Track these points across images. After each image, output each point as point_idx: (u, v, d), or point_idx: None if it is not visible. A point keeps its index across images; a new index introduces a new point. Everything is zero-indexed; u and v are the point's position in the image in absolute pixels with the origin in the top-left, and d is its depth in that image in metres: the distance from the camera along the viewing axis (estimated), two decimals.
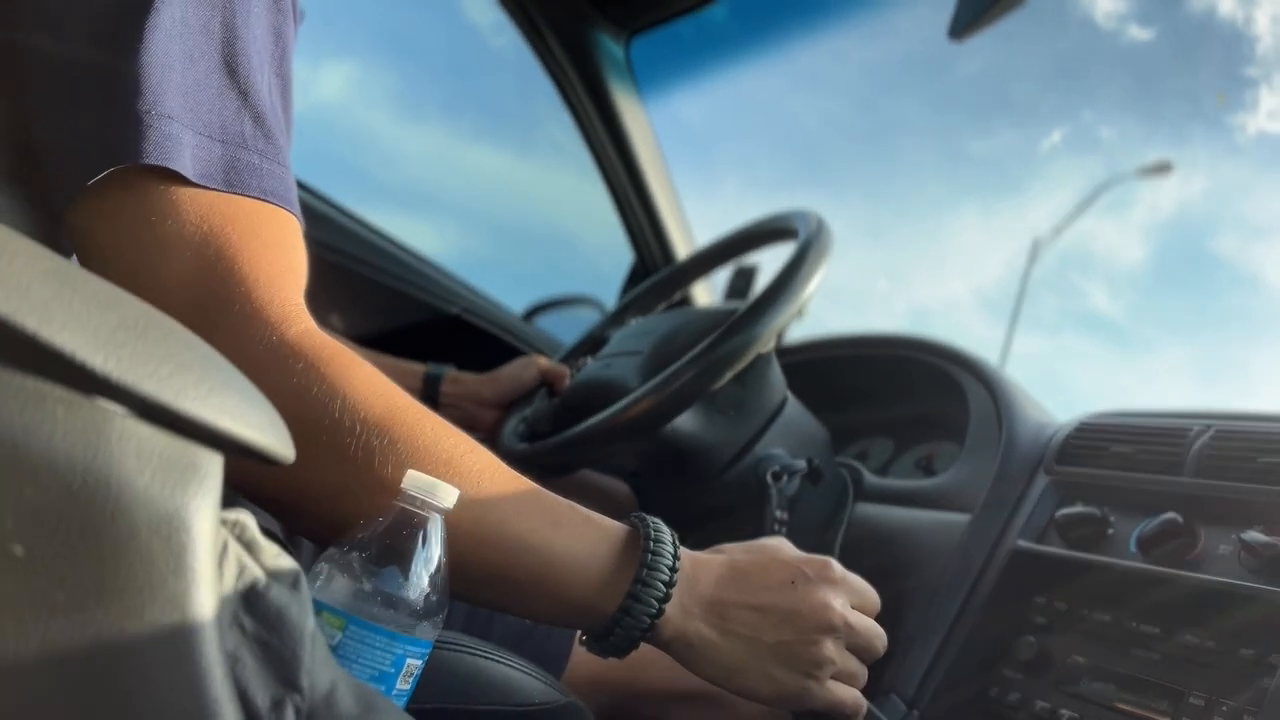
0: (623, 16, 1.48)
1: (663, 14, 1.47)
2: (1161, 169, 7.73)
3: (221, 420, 0.28)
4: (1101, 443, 0.84)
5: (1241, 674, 0.65)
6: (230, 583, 0.30)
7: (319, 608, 0.44)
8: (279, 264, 0.51)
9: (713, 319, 0.96)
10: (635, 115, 1.54)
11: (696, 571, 0.60)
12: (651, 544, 0.58)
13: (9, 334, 0.24)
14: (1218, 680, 0.65)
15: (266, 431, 0.30)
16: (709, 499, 0.95)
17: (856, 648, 0.62)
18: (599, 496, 1.12)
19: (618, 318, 1.24)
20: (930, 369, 1.12)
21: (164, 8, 0.47)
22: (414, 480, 0.47)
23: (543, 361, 1.15)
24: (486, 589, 0.55)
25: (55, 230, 0.49)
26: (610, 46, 1.50)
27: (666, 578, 0.57)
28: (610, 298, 1.73)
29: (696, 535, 0.96)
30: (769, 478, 0.91)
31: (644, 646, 0.59)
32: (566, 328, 1.69)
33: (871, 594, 0.66)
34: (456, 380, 1.12)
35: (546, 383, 1.14)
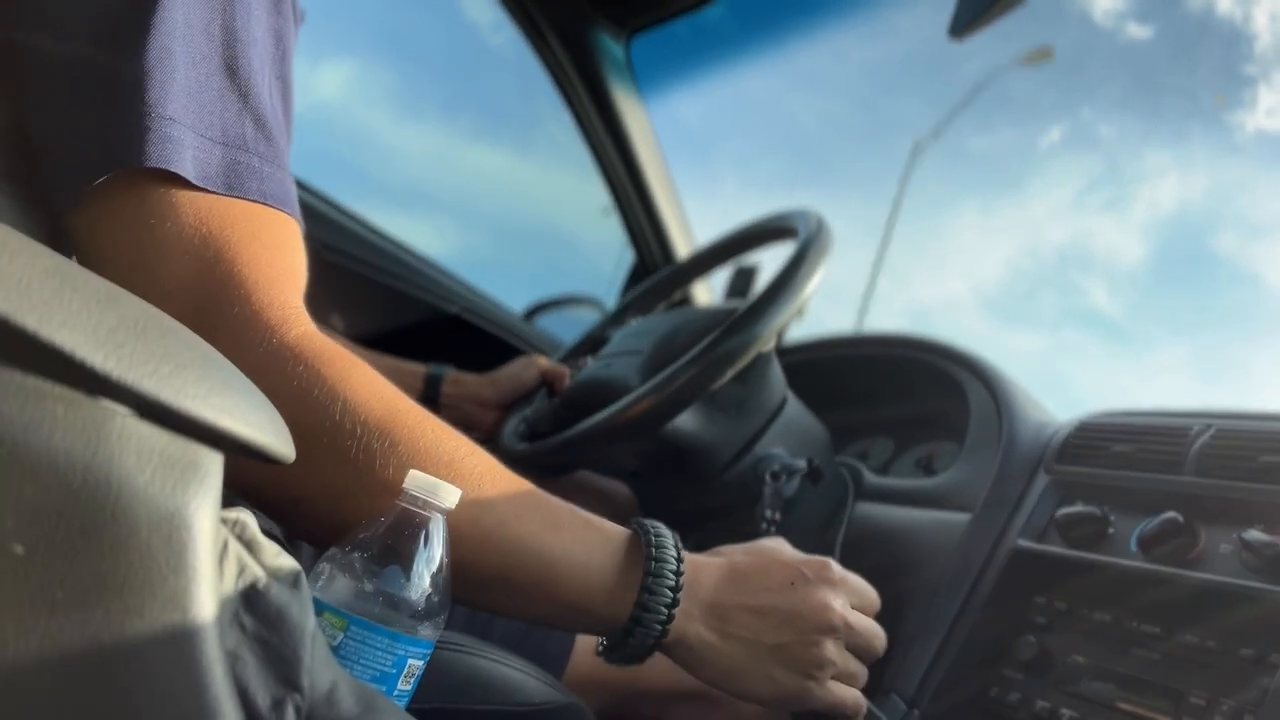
0: (623, 16, 1.48)
1: (663, 13, 1.47)
2: (1042, 55, 7.62)
3: (221, 419, 0.28)
4: (1102, 442, 0.84)
5: (1242, 673, 0.65)
6: (230, 581, 0.30)
7: (321, 608, 0.44)
8: (279, 266, 0.51)
9: (713, 318, 0.96)
10: (635, 114, 1.54)
11: (697, 574, 0.60)
12: (654, 549, 0.58)
13: (9, 332, 0.24)
14: (1218, 680, 0.65)
15: (266, 430, 0.30)
16: (709, 498, 0.95)
17: (856, 648, 0.62)
18: (599, 496, 1.12)
19: (618, 317, 1.24)
20: (930, 368, 1.12)
21: (165, 10, 0.47)
22: (416, 480, 0.47)
23: (543, 361, 1.15)
24: (487, 592, 0.55)
25: (55, 231, 0.49)
26: (610, 46, 1.50)
27: (672, 582, 0.57)
28: (610, 297, 1.73)
29: (697, 535, 0.96)
30: (767, 477, 0.91)
31: None
32: (567, 327, 1.69)
33: (871, 593, 0.66)
34: (457, 381, 1.12)
35: (547, 383, 1.14)
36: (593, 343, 1.21)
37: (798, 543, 0.68)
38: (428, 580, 0.47)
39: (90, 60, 0.46)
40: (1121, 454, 0.81)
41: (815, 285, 0.90)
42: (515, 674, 0.63)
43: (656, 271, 1.60)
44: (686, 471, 0.94)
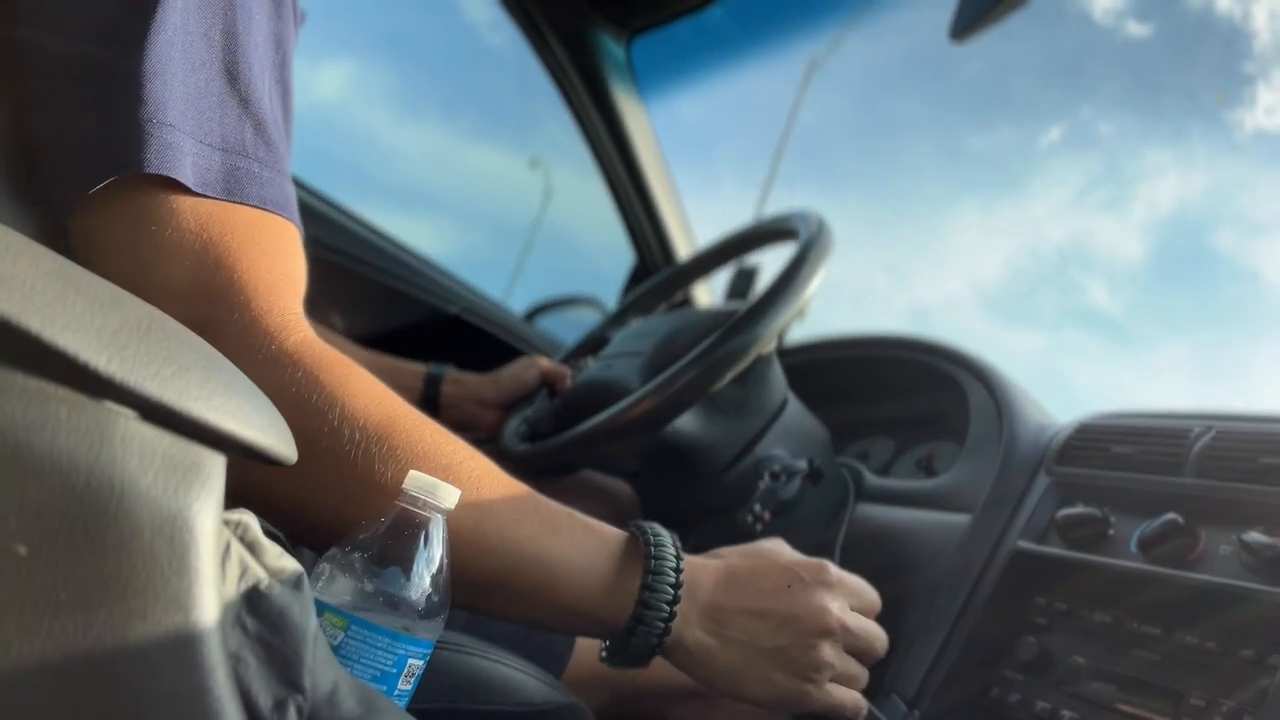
0: (624, 17, 1.48)
1: (663, 14, 1.47)
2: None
3: (224, 421, 0.28)
4: (1102, 443, 0.84)
5: (1242, 674, 0.65)
6: (233, 583, 0.30)
7: (321, 608, 0.44)
8: (278, 272, 0.51)
9: (714, 320, 0.96)
10: (636, 115, 1.54)
11: (694, 577, 0.60)
12: (653, 550, 0.58)
13: (12, 334, 0.24)
14: (1218, 680, 0.65)
15: (269, 432, 0.30)
16: (710, 499, 0.95)
17: (856, 649, 0.62)
18: (600, 497, 1.12)
19: (619, 318, 1.24)
20: (931, 369, 1.12)
21: (165, 15, 0.47)
22: (415, 481, 0.47)
23: (544, 362, 1.15)
24: (486, 596, 0.55)
25: (56, 234, 0.49)
26: (611, 47, 1.50)
27: (673, 582, 0.57)
28: (611, 298, 1.73)
29: (697, 535, 0.96)
30: (766, 477, 0.91)
31: None
32: (567, 328, 1.69)
33: (870, 594, 0.66)
34: (458, 381, 1.12)
35: (548, 383, 1.14)
36: (593, 344, 1.22)
37: (798, 543, 0.68)
38: (428, 580, 0.47)
39: (90, 65, 0.46)
40: (1122, 455, 0.81)
41: (816, 286, 0.90)
42: (515, 674, 0.63)
43: (657, 272, 1.60)
44: (687, 472, 0.94)
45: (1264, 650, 0.64)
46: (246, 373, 0.39)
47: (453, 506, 0.48)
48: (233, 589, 0.30)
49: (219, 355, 0.32)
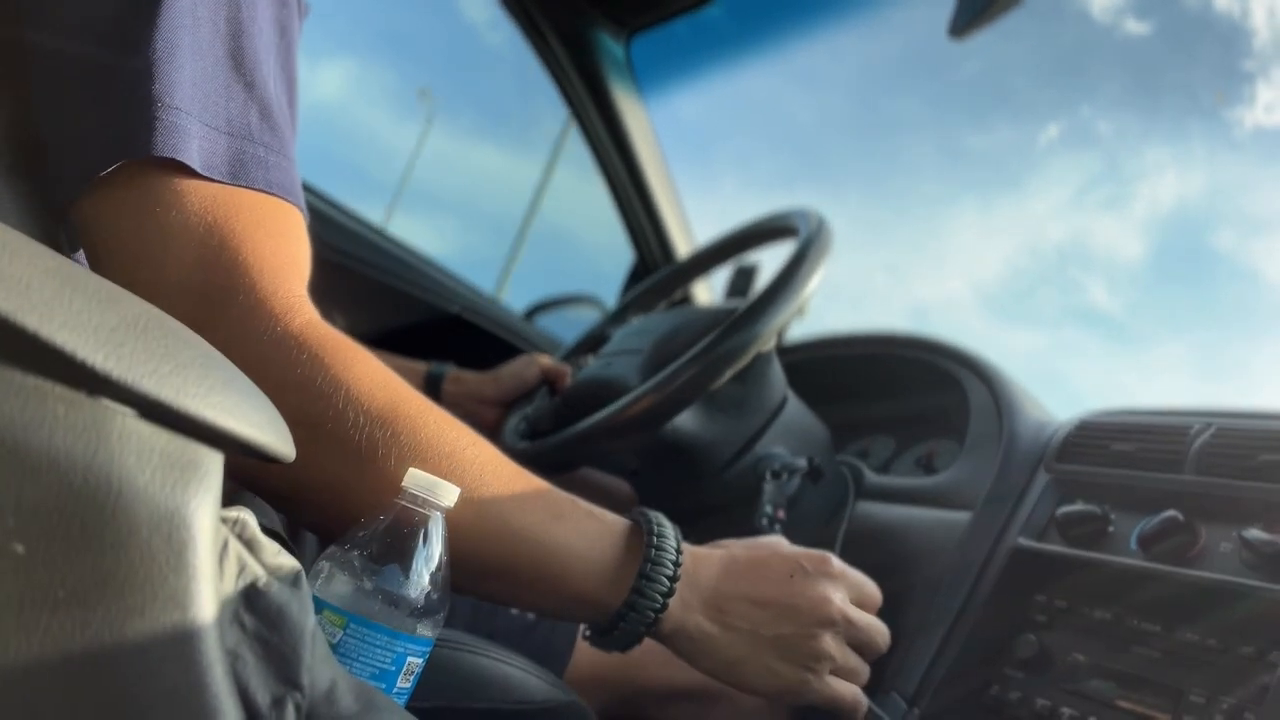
0: (623, 15, 1.48)
1: (663, 13, 1.47)
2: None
3: (222, 418, 0.28)
4: (1102, 440, 0.84)
5: (1242, 671, 0.65)
6: (231, 580, 0.30)
7: (320, 606, 0.44)
8: (283, 256, 0.51)
9: (713, 317, 0.96)
10: (635, 114, 1.54)
11: (697, 566, 0.60)
12: (654, 539, 0.58)
13: (10, 332, 0.24)
14: (1218, 677, 0.65)
15: (267, 430, 0.30)
16: (709, 497, 0.95)
17: (857, 643, 0.62)
18: (600, 495, 1.12)
19: (618, 316, 1.24)
20: (930, 367, 1.12)
21: (171, 1, 0.47)
22: (415, 479, 0.47)
23: (544, 360, 1.15)
24: (489, 582, 0.55)
25: (55, 227, 0.49)
26: (610, 45, 1.50)
27: (670, 572, 0.57)
28: (611, 296, 1.73)
29: (697, 533, 0.96)
30: (767, 475, 0.91)
31: (646, 644, 0.59)
32: (567, 326, 1.69)
33: (871, 588, 0.66)
34: (458, 379, 1.12)
35: (548, 381, 1.14)
36: (593, 342, 1.22)
37: (798, 541, 0.68)
38: (427, 578, 0.47)
39: (95, 51, 0.46)
40: (1122, 452, 0.81)
41: (816, 284, 0.90)
42: (516, 672, 0.63)
43: (657, 270, 1.60)
44: (687, 470, 0.94)
45: (1264, 647, 0.64)
46: (251, 355, 0.39)
47: (452, 505, 0.48)
48: (230, 586, 0.30)
49: (217, 353, 0.32)
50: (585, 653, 0.84)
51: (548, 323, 1.72)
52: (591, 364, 1.06)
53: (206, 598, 0.27)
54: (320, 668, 0.33)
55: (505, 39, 1.50)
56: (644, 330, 1.03)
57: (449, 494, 0.47)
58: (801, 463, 0.92)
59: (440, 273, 1.49)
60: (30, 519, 0.24)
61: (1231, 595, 0.66)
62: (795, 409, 1.01)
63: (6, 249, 0.26)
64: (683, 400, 0.84)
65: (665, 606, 0.57)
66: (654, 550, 0.57)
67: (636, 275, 1.67)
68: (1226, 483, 0.72)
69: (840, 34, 1.52)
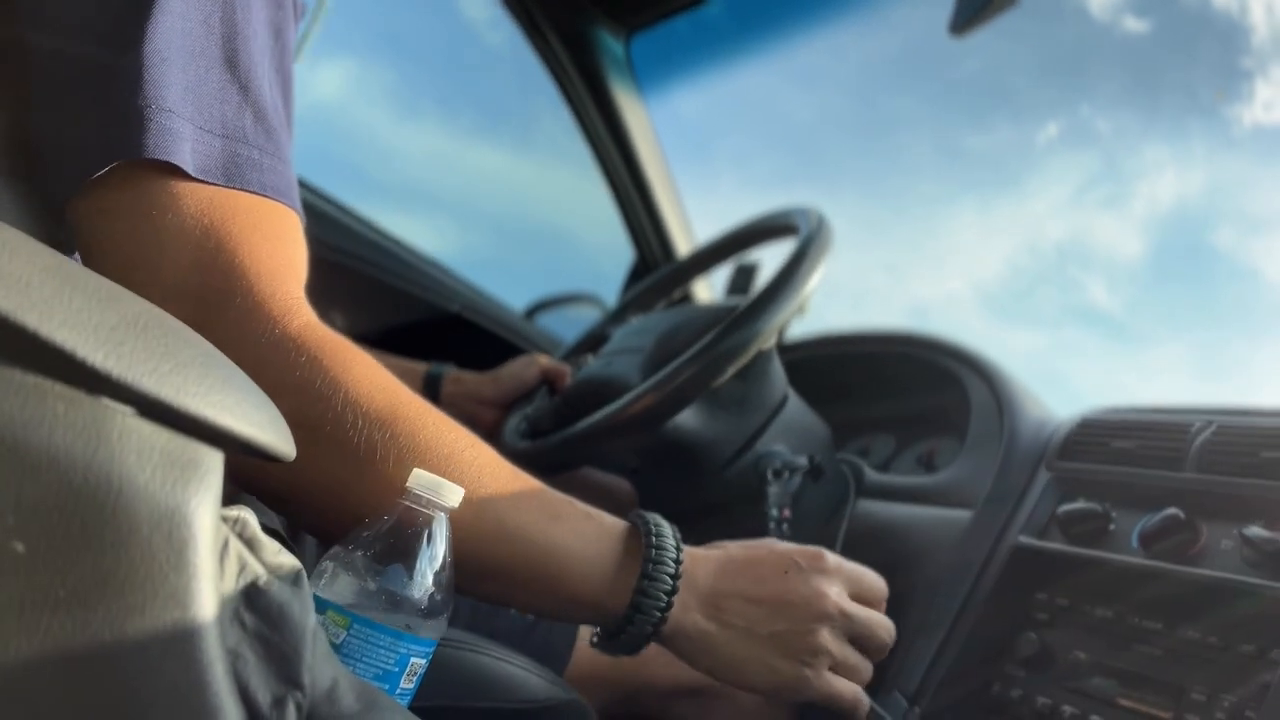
0: (623, 14, 1.48)
1: (662, 11, 1.47)
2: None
3: (222, 417, 0.28)
4: (1103, 438, 0.84)
5: (1243, 669, 0.65)
6: (231, 579, 0.30)
7: (324, 606, 0.44)
8: (280, 258, 0.51)
9: (714, 316, 0.96)
10: (635, 112, 1.54)
11: (693, 566, 0.60)
12: (654, 539, 0.58)
13: (9, 331, 0.24)
14: (1219, 675, 0.65)
15: (267, 429, 0.30)
16: (710, 496, 0.95)
17: (859, 637, 0.62)
18: (601, 494, 1.12)
19: (619, 315, 1.24)
20: (931, 365, 1.12)
21: (165, 3, 0.47)
22: (419, 479, 0.47)
23: (544, 360, 1.15)
24: (488, 583, 0.55)
25: (55, 226, 0.49)
26: (610, 44, 1.50)
27: (672, 571, 0.57)
28: (611, 295, 1.73)
29: (697, 532, 0.96)
30: (769, 475, 0.90)
31: None
32: (567, 325, 1.69)
33: (872, 581, 0.65)
34: (458, 380, 1.12)
35: (548, 381, 1.14)
36: (593, 341, 1.21)
37: (799, 539, 0.68)
38: (430, 579, 0.47)
39: (90, 53, 0.46)
40: (1123, 450, 0.81)
41: (816, 282, 0.90)
42: (518, 671, 0.63)
43: (657, 269, 1.60)
44: (688, 468, 0.94)
45: (1265, 645, 0.64)
46: (249, 358, 0.39)
47: (456, 505, 0.48)
48: (231, 585, 0.30)
49: (216, 351, 0.32)
50: (585, 651, 0.84)
51: (548, 321, 1.72)
52: (592, 363, 1.06)
53: (207, 596, 0.27)
54: (321, 667, 0.33)
55: (505, 38, 1.50)
56: (644, 329, 1.03)
57: (453, 494, 0.47)
58: (802, 461, 0.92)
59: (440, 271, 1.49)
60: (30, 518, 0.24)
61: (1233, 593, 0.66)
62: (796, 407, 1.01)
63: (6, 248, 0.26)
64: (683, 399, 0.83)
65: (670, 605, 0.57)
66: (654, 551, 0.57)
67: (637, 274, 1.67)
68: (1227, 480, 0.72)
69: (839, 32, 1.52)
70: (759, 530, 0.89)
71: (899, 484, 1.00)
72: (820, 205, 1.01)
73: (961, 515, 0.88)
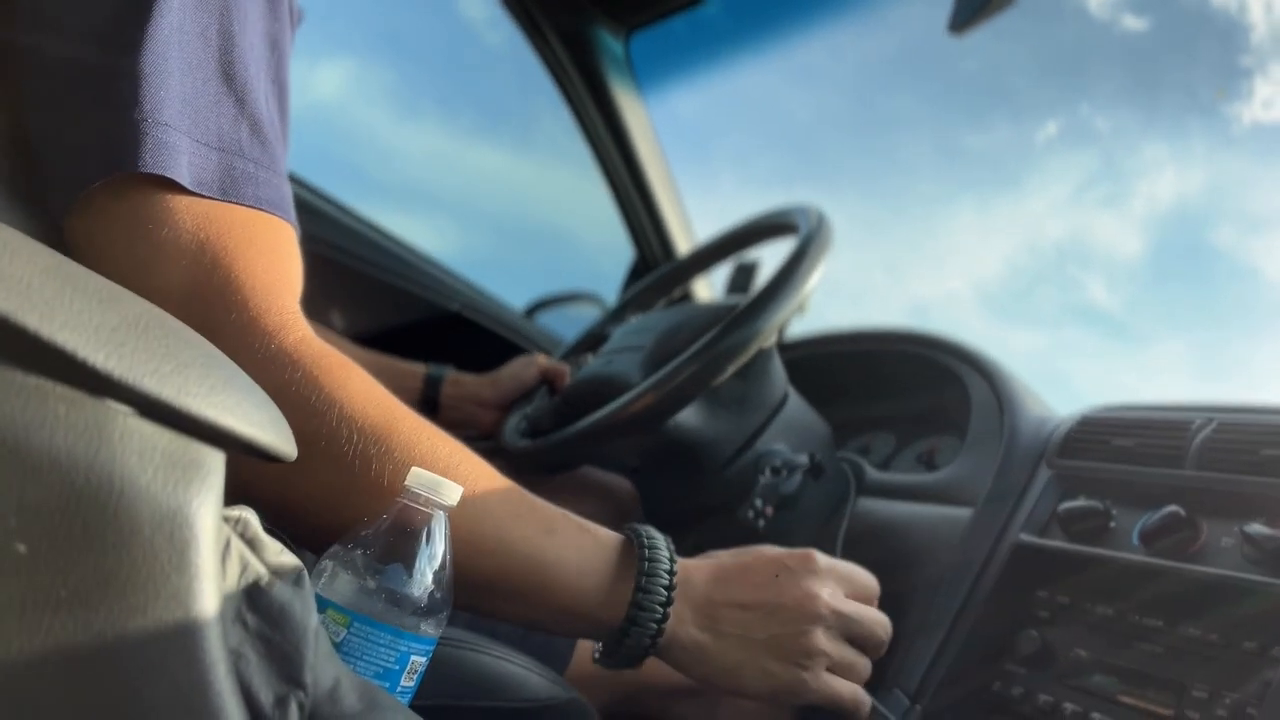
0: (622, 13, 1.48)
1: (662, 10, 1.47)
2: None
3: (223, 417, 0.28)
4: (1103, 436, 0.84)
5: (1244, 666, 0.65)
6: (233, 579, 0.30)
7: (324, 605, 0.44)
8: (275, 272, 0.51)
9: (714, 314, 0.96)
10: (635, 111, 1.54)
11: (686, 577, 0.60)
12: (647, 552, 0.58)
13: (10, 332, 0.24)
14: (1221, 673, 0.65)
15: (268, 429, 0.30)
16: (711, 494, 0.95)
17: (856, 636, 0.62)
18: (601, 493, 1.12)
19: (618, 314, 1.24)
20: (931, 363, 1.12)
21: (162, 15, 0.47)
22: (418, 478, 0.47)
23: (543, 360, 1.15)
24: (482, 596, 0.56)
25: (55, 232, 0.49)
26: (610, 43, 1.50)
27: (666, 583, 0.57)
28: (611, 294, 1.73)
29: (698, 531, 0.96)
30: (767, 472, 0.91)
31: None
32: (567, 324, 1.69)
33: (864, 579, 0.65)
34: (457, 382, 1.12)
35: (547, 380, 1.14)
36: (593, 340, 1.22)
37: (799, 538, 0.68)
38: (430, 577, 0.47)
39: (87, 65, 0.46)
40: (1123, 448, 0.81)
41: (816, 281, 0.90)
42: (518, 670, 0.63)
43: (657, 268, 1.60)
44: (688, 467, 0.94)
45: (1267, 642, 0.64)
46: (246, 371, 0.39)
47: (455, 503, 0.48)
48: (233, 585, 0.30)
49: (217, 352, 0.32)
50: (587, 651, 0.84)
51: (548, 320, 1.72)
52: (592, 362, 1.06)
53: (209, 597, 0.27)
54: (323, 666, 0.33)
55: (504, 38, 1.50)
56: (645, 328, 1.03)
57: (452, 493, 0.47)
58: (803, 459, 0.92)
59: (440, 270, 1.49)
60: (32, 519, 0.24)
61: (1234, 590, 0.66)
62: (796, 406, 1.01)
63: (6, 249, 0.26)
64: (684, 397, 0.83)
65: (665, 618, 0.57)
66: (648, 564, 0.57)
67: (637, 272, 1.67)
68: (1228, 478, 0.72)
69: (838, 32, 1.52)
70: (751, 527, 0.89)
71: (899, 482, 1.00)
72: (820, 204, 1.01)
73: (962, 513, 0.88)
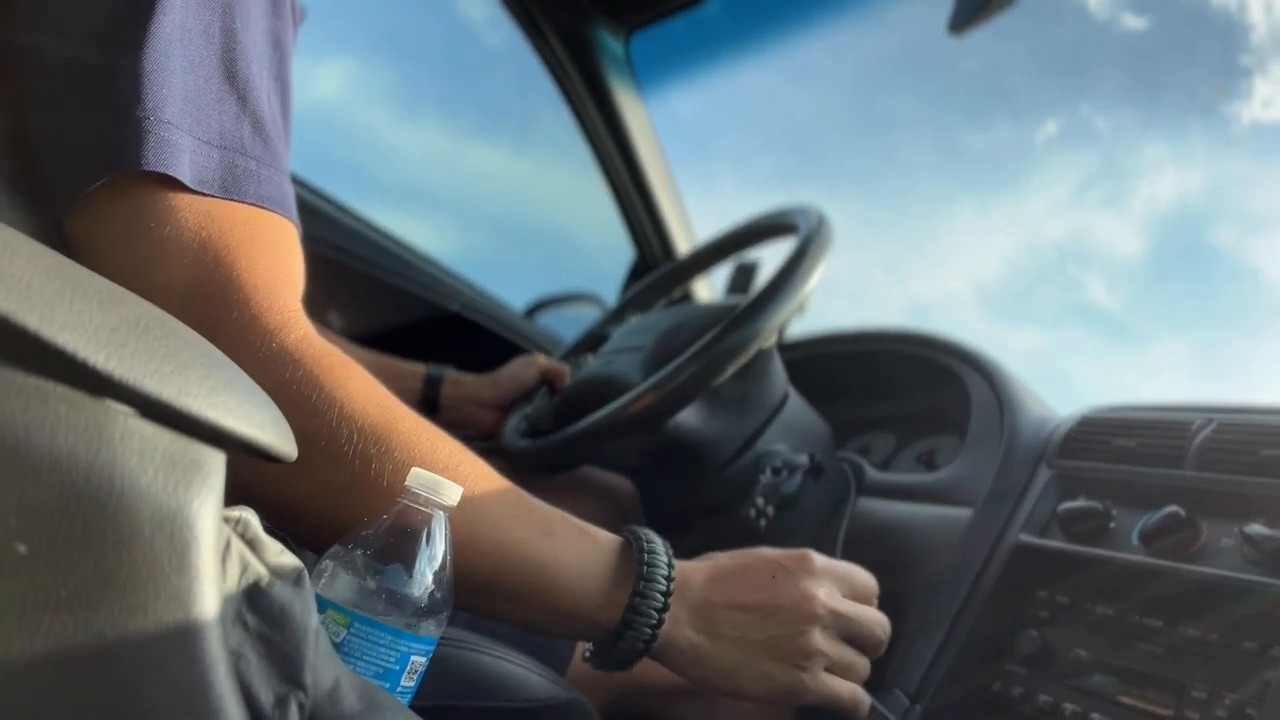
0: (622, 13, 1.48)
1: (662, 10, 1.47)
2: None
3: (224, 418, 0.28)
4: (1103, 436, 0.84)
5: (1244, 667, 0.65)
6: (233, 580, 0.30)
7: (324, 605, 0.44)
8: (277, 270, 0.51)
9: (714, 314, 0.96)
10: (635, 111, 1.54)
11: (684, 579, 0.60)
12: (646, 556, 0.58)
13: (11, 332, 0.24)
14: (1220, 673, 0.65)
15: (268, 429, 0.30)
16: (711, 495, 0.95)
17: (854, 636, 0.62)
18: (601, 493, 1.12)
19: (618, 314, 1.24)
20: (931, 363, 1.12)
21: (164, 13, 0.47)
22: (418, 478, 0.47)
23: (543, 360, 1.15)
24: (480, 597, 0.56)
25: (56, 231, 0.49)
26: (610, 43, 1.50)
27: (664, 587, 0.57)
28: (611, 295, 1.73)
29: (698, 531, 0.96)
30: (769, 473, 0.91)
31: None
32: (567, 325, 1.69)
33: (862, 578, 0.65)
34: (457, 382, 1.12)
35: (547, 381, 1.14)
36: (593, 340, 1.22)
37: (799, 538, 0.68)
38: (430, 577, 0.47)
39: (88, 63, 0.46)
40: (1123, 448, 0.81)
41: (816, 281, 0.90)
42: (518, 670, 0.63)
43: (657, 268, 1.60)
44: (688, 467, 0.94)
45: (1266, 642, 0.64)
46: (247, 370, 0.39)
47: (455, 503, 0.48)
48: (233, 586, 0.30)
49: (218, 352, 0.32)
50: None
51: (548, 321, 1.72)
52: (592, 362, 1.06)
53: (209, 597, 0.27)
54: (323, 667, 0.33)
55: (504, 38, 1.50)
56: (645, 328, 1.03)
57: (452, 493, 0.47)
58: (803, 459, 0.92)
59: (440, 270, 1.49)
60: (32, 519, 0.24)
61: (1233, 591, 0.66)
62: (796, 406, 1.01)
63: (6, 249, 0.26)
64: (684, 397, 0.83)
65: (661, 622, 0.57)
66: (646, 568, 0.57)
67: (637, 273, 1.67)
68: (1228, 478, 0.72)
69: (838, 31, 1.52)
70: (752, 526, 0.89)
71: (899, 482, 1.00)
72: (820, 204, 1.01)
73: (962, 513, 0.88)
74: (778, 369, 0.99)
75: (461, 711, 0.59)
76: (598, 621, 0.58)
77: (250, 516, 0.32)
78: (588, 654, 0.61)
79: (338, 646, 0.44)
